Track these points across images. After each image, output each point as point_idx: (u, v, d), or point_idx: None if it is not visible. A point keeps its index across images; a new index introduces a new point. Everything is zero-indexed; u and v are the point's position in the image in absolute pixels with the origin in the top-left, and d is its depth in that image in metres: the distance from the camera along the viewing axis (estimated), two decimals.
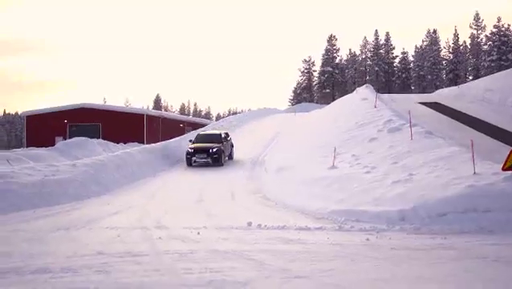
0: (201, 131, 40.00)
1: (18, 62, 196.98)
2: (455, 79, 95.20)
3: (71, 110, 59.87)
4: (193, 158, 29.91)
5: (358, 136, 24.99)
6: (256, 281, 8.14)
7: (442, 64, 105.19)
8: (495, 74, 51.77)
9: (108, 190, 21.84)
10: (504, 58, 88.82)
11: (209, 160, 29.83)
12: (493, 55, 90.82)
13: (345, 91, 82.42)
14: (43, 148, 37.06)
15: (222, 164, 30.03)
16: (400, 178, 16.16)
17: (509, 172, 14.18)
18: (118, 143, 43.72)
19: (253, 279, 8.23)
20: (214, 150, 30.08)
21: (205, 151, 30.07)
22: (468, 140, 16.93)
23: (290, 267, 9.02)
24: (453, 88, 51.44)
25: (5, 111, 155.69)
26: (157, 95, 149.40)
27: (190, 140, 32.38)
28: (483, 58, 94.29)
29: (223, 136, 32.39)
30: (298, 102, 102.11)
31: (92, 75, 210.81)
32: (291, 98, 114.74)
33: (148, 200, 19.49)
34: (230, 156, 32.73)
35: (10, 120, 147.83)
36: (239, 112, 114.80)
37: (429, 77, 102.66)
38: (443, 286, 7.83)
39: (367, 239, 11.71)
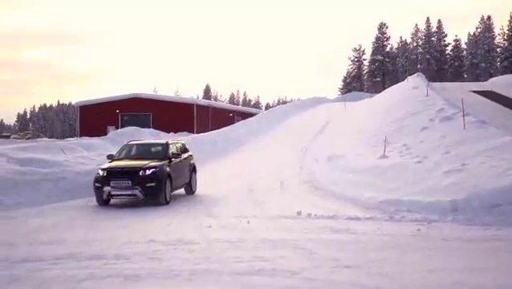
0: (133, 139, 22.54)
1: (71, 53, 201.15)
2: (510, 67, 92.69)
3: (123, 100, 60.79)
4: (106, 189, 16.14)
5: (409, 125, 24.62)
6: (306, 270, 8.16)
7: (496, 52, 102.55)
8: None
9: None
10: None
11: (138, 191, 16.14)
12: None
13: (396, 80, 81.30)
14: (96, 137, 37.76)
15: (166, 202, 16.56)
16: (453, 168, 15.88)
17: None
18: (168, 132, 44.15)
19: (303, 268, 8.25)
20: (148, 173, 16.29)
21: (129, 175, 16.29)
22: None
23: (340, 257, 9.00)
24: (508, 76, 50.13)
25: (59, 102, 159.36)
26: (207, 84, 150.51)
27: (110, 157, 18.25)
28: None
29: (172, 148, 18.62)
30: (348, 91, 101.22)
31: (143, 65, 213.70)
32: (341, 87, 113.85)
33: (199, 188, 19.66)
34: (189, 188, 19.07)
35: (63, 110, 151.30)
36: (288, 101, 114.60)
37: (483, 65, 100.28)
38: (496, 277, 7.70)
39: (419, 230, 11.58)
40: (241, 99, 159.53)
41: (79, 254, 9.57)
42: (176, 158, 18.02)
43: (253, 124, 42.00)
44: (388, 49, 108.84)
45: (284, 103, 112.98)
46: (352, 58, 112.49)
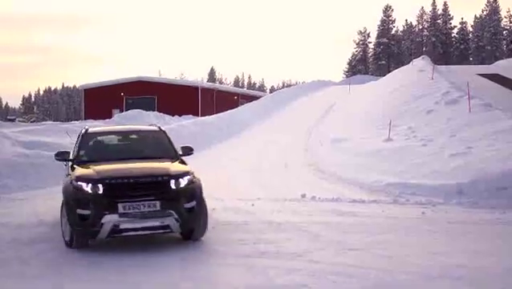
0: (98, 125, 19.32)
1: (76, 36, 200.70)
2: None
3: (128, 83, 60.66)
4: (109, 220, 8.46)
5: (414, 108, 24.56)
6: (310, 252, 8.17)
7: (503, 34, 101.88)
8: None
9: None
10: None
11: (172, 220, 8.62)
12: None
13: (401, 63, 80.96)
14: (100, 120, 37.73)
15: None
16: (458, 151, 15.84)
17: None
18: (173, 115, 44.10)
19: (308, 251, 8.26)
20: (184, 184, 9.03)
21: (152, 189, 8.78)
22: None
23: (345, 239, 9.01)
24: None
25: (63, 85, 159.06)
26: (212, 67, 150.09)
27: (64, 156, 10.51)
28: None
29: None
30: (353, 74, 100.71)
31: (148, 49, 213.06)
32: (346, 70, 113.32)
33: (204, 170, 19.67)
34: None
35: (68, 93, 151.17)
36: (293, 85, 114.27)
37: (489, 48, 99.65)
38: (501, 261, 7.70)
39: (423, 213, 11.58)
40: (245, 83, 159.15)
41: None
42: (188, 155, 10.49)
43: (257, 107, 41.90)
44: (393, 32, 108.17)
45: (289, 86, 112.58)
46: (357, 41, 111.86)
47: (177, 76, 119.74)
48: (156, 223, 8.59)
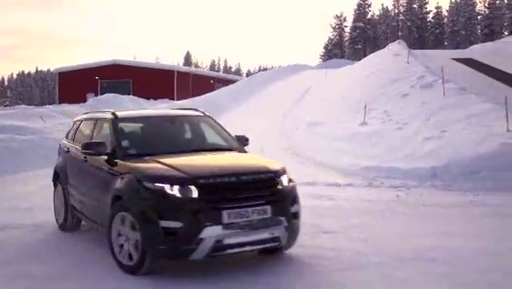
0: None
1: (50, 19, 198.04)
2: (490, 35, 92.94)
3: (103, 67, 60.19)
4: (212, 234, 6.35)
5: (390, 92, 24.66)
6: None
7: (477, 19, 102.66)
8: None
9: None
10: None
11: (282, 229, 6.79)
12: None
13: (377, 47, 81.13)
14: (75, 104, 37.40)
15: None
16: (433, 135, 16.00)
17: None
18: (149, 99, 43.91)
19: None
20: (291, 185, 7.28)
21: (259, 188, 6.84)
22: (502, 98, 16.63)
23: (320, 223, 9.07)
24: (488, 44, 50.31)
25: (37, 69, 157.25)
26: (187, 51, 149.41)
27: (95, 148, 7.79)
28: None
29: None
30: (329, 58, 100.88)
31: (123, 33, 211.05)
32: (322, 54, 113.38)
33: None
34: None
35: (42, 76, 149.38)
36: (269, 69, 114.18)
37: (463, 33, 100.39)
38: (473, 242, 7.81)
39: (397, 196, 11.70)
40: (221, 67, 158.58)
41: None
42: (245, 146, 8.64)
43: (234, 91, 41.83)
44: (369, 16, 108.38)
45: (265, 70, 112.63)
46: (334, 25, 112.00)
47: (153, 60, 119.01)
48: (266, 235, 6.65)
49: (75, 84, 57.95)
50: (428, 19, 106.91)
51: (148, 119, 9.02)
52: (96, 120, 8.74)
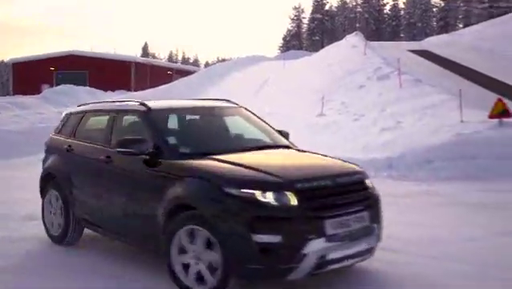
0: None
1: (4, 7, 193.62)
2: (445, 27, 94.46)
3: (58, 57, 59.10)
4: (314, 248, 5.21)
5: (347, 83, 24.91)
6: None
7: (433, 11, 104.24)
8: (486, 22, 51.44)
9: None
10: (495, 5, 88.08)
11: (374, 238, 5.92)
12: (484, 3, 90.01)
13: (335, 39, 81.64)
14: (30, 95, 36.70)
15: None
16: (389, 126, 16.23)
17: (496, 120, 14.26)
18: (106, 91, 43.34)
19: None
20: (373, 187, 6.37)
21: (354, 192, 5.88)
22: (457, 89, 16.93)
23: None
24: (444, 36, 51.06)
25: None
26: (145, 43, 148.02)
27: (136, 146, 6.29)
28: (474, 5, 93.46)
29: None
30: (288, 49, 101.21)
31: (80, 24, 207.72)
32: (281, 45, 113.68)
33: None
34: None
35: None
36: (228, 60, 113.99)
37: (420, 25, 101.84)
38: (430, 230, 7.94)
39: None
40: (180, 58, 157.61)
41: (15, 214, 9.43)
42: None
43: (192, 82, 41.59)
44: (327, 7, 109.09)
45: (223, 61, 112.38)
46: (292, 16, 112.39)
47: (110, 52, 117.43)
48: (364, 246, 5.70)
49: (30, 75, 56.84)
50: (385, 11, 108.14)
51: (184, 111, 7.50)
52: (116, 111, 7.28)
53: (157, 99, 26.16)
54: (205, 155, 6.09)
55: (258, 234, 5.13)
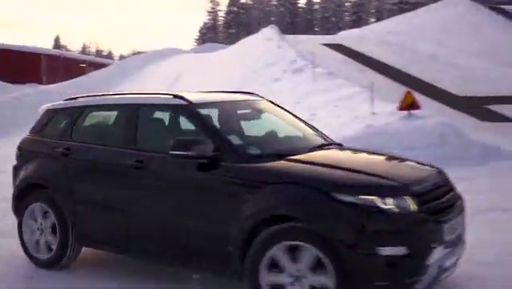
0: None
1: None
2: (358, 21, 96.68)
3: None
4: (433, 259, 4.68)
5: (262, 76, 25.00)
6: None
7: (345, 6, 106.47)
8: (397, 16, 52.95)
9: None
10: (405, 1, 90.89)
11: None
12: None
13: (250, 32, 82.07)
14: None
15: None
16: (303, 118, 16.33)
17: (405, 112, 14.68)
18: (14, 84, 41.73)
19: None
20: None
21: (448, 194, 5.30)
22: (369, 81, 17.29)
23: None
24: (356, 30, 52.17)
25: None
26: (57, 35, 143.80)
27: (195, 148, 5.24)
28: (385, 1, 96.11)
29: None
30: (204, 42, 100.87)
31: None
32: (197, 38, 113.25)
33: None
34: None
35: None
36: (143, 52, 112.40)
37: (334, 19, 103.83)
38: None
39: None
40: (93, 50, 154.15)
41: None
42: None
43: (105, 75, 40.77)
44: (243, 0, 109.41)
45: (139, 54, 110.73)
46: (208, 9, 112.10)
47: (20, 44, 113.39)
48: (459, 253, 5.26)
49: None
50: (299, 5, 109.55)
51: (224, 105, 6.43)
52: (137, 106, 6.16)
53: (66, 92, 24.98)
54: (277, 156, 5.29)
55: (382, 247, 4.48)
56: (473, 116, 19.28)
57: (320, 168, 5.02)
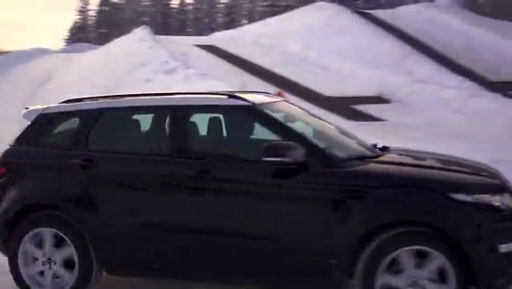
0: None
1: None
2: (231, 23, 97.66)
3: None
4: None
5: (133, 77, 24.64)
6: None
7: (217, 7, 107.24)
8: (269, 19, 53.98)
9: None
10: (277, 4, 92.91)
11: None
12: (267, 1, 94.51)
13: (122, 32, 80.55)
14: None
15: None
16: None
17: None
18: None
19: None
20: None
21: None
22: (241, 82, 17.50)
23: None
24: (229, 32, 52.62)
25: None
26: None
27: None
28: (257, 3, 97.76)
29: None
30: (74, 42, 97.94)
31: None
32: (67, 38, 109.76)
33: None
34: None
35: None
36: (8, 52, 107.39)
37: (207, 20, 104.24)
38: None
39: None
40: None
41: None
42: None
43: None
44: (115, 0, 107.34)
45: (3, 54, 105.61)
46: (79, 8, 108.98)
47: None
48: None
49: None
50: (172, 5, 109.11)
51: (273, 106, 5.79)
52: (184, 108, 5.35)
53: None
54: (360, 159, 5.06)
55: (501, 244, 4.49)
56: (340, 115, 20.05)
57: (425, 170, 5.03)
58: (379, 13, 41.56)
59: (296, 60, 30.91)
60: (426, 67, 28.50)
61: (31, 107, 6.15)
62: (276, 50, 35.24)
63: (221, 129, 5.56)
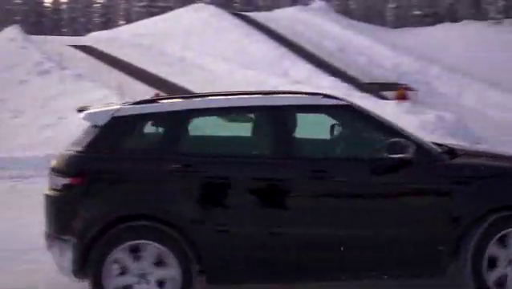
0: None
1: None
2: (108, 23, 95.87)
3: None
4: None
5: (5, 79, 23.76)
6: None
7: (94, 7, 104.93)
8: (146, 19, 53.62)
9: None
10: (154, 4, 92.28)
11: None
12: (143, 1, 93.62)
13: None
14: None
15: None
16: (50, 122, 15.97)
17: None
18: None
19: None
20: None
21: None
22: (117, 83, 17.38)
23: None
24: (106, 32, 51.82)
25: None
26: None
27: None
28: (134, 3, 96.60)
29: None
30: None
31: None
32: None
33: None
34: None
35: None
36: None
37: (82, 20, 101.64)
38: None
39: (13, 186, 11.38)
40: None
41: None
42: None
43: None
44: None
45: None
46: None
47: None
48: None
49: None
50: (45, 4, 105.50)
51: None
52: (285, 108, 5.19)
53: None
54: (449, 153, 5.45)
55: None
56: None
57: (505, 161, 5.60)
58: (256, 15, 42.49)
59: (174, 61, 31.04)
60: (301, 68, 29.54)
61: (93, 109, 5.44)
62: (154, 50, 35.16)
63: (326, 129, 5.67)
